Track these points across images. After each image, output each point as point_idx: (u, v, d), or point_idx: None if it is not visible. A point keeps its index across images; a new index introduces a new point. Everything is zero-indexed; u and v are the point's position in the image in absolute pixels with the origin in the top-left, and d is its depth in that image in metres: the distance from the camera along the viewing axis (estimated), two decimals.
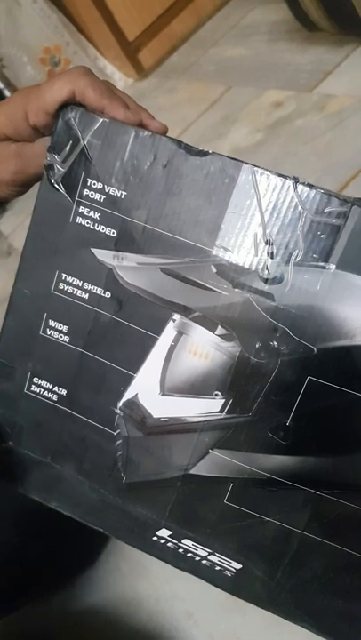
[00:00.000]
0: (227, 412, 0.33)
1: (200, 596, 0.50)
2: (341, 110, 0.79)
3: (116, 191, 0.33)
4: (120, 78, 1.10)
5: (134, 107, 0.35)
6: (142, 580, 0.51)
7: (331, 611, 0.35)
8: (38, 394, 0.38)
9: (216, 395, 0.33)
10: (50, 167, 0.34)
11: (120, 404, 0.36)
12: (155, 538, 0.38)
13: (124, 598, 0.50)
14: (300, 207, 0.30)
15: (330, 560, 0.34)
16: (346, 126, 0.78)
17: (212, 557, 0.37)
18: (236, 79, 0.93)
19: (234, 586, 0.37)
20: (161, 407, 0.35)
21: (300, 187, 0.30)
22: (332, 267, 0.30)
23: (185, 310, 0.33)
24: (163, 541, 0.38)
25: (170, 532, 0.37)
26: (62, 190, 0.34)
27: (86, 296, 0.35)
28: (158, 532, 0.37)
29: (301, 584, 0.35)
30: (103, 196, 0.34)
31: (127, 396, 0.36)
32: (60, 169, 0.34)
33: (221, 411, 0.34)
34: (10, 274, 0.38)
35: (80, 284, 0.35)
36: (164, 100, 1.00)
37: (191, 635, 0.48)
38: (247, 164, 0.31)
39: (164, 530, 0.37)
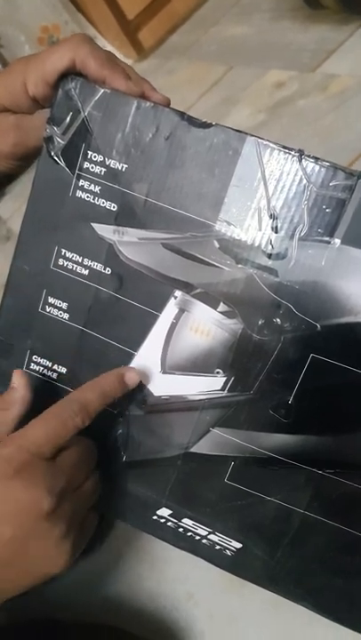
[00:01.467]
0: (228, 390, 0.33)
1: (200, 577, 0.50)
2: (344, 90, 0.78)
3: (117, 164, 0.33)
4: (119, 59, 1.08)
5: (136, 78, 0.34)
6: (143, 562, 0.51)
7: (331, 590, 0.35)
8: (38, 372, 0.38)
9: (218, 372, 0.33)
10: (49, 139, 0.33)
11: None
12: (155, 517, 0.38)
13: (125, 580, 0.51)
14: (305, 180, 0.29)
15: (330, 539, 0.34)
16: (349, 107, 0.77)
17: (212, 537, 0.37)
18: (237, 59, 0.92)
19: (234, 565, 0.37)
20: (162, 385, 0.35)
21: (305, 160, 0.29)
22: (338, 242, 0.29)
23: (186, 287, 0.33)
24: (163, 521, 0.37)
25: (170, 512, 0.37)
26: (62, 163, 0.33)
27: (86, 272, 0.35)
28: (158, 512, 0.37)
29: (301, 563, 0.35)
30: (104, 169, 0.33)
31: None
32: (59, 141, 0.33)
33: (223, 389, 0.33)
34: (9, 259, 0.37)
35: (80, 260, 0.35)
36: (164, 80, 0.99)
37: (192, 615, 0.49)
38: (252, 136, 0.30)
39: (164, 509, 0.37)
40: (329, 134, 0.75)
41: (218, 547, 0.37)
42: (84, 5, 1.05)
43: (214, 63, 0.94)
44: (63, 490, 0.30)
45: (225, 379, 0.33)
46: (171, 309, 0.33)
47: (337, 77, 0.80)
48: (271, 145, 0.30)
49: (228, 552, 0.37)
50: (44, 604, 0.50)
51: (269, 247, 0.30)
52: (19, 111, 0.35)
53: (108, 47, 1.09)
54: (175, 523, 0.37)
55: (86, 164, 0.33)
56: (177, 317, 0.33)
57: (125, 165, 0.33)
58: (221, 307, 0.32)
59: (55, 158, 0.33)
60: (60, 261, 0.35)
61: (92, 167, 0.33)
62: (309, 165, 0.29)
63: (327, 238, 0.29)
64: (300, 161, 0.29)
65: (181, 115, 0.32)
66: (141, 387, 0.35)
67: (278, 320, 0.31)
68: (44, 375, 0.38)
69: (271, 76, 0.86)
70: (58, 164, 0.34)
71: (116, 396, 0.34)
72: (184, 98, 0.91)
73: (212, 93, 0.89)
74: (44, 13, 1.01)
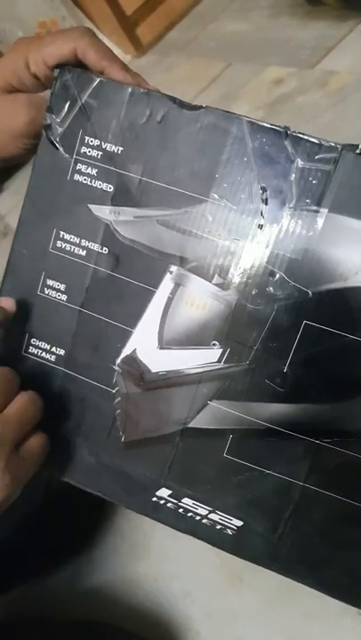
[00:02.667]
0: (225, 362, 0.37)
1: (197, 575, 0.54)
2: (343, 87, 0.84)
3: (113, 147, 0.38)
4: (118, 54, 1.15)
5: (132, 72, 0.39)
6: (140, 560, 0.55)
7: (332, 564, 0.39)
8: (36, 355, 0.42)
9: (214, 344, 0.37)
10: (48, 127, 0.39)
11: (118, 360, 0.40)
12: (154, 499, 0.41)
13: (121, 578, 0.54)
14: (291, 155, 0.34)
15: (331, 512, 0.38)
16: (348, 104, 0.83)
17: (212, 516, 0.40)
18: (236, 55, 0.99)
19: (235, 545, 0.41)
20: (159, 361, 0.39)
21: (291, 136, 0.34)
22: (325, 211, 0.34)
23: (182, 261, 0.37)
24: (162, 502, 0.41)
25: (170, 492, 0.41)
26: (61, 149, 0.39)
27: (84, 253, 0.40)
28: (158, 493, 0.41)
29: (303, 538, 0.39)
30: (100, 153, 0.38)
31: (125, 352, 0.40)
32: (58, 128, 0.39)
33: (219, 360, 0.38)
34: (6, 255, 0.42)
35: (77, 242, 0.40)
36: (162, 77, 1.06)
37: (189, 613, 0.52)
38: (239, 115, 0.35)
39: (163, 489, 0.41)
40: (328, 131, 0.81)
41: (218, 526, 0.40)
42: (82, 1, 1.13)
43: (213, 60, 1.01)
44: None
45: (221, 350, 0.37)
46: (167, 284, 0.38)
47: (336, 74, 0.87)
48: (258, 123, 0.35)
49: (229, 531, 0.40)
50: (38, 600, 0.53)
51: (260, 218, 0.35)
52: (25, 90, 0.40)
53: (106, 42, 1.17)
54: (175, 503, 0.41)
55: (83, 149, 0.38)
56: (173, 292, 0.38)
57: (121, 148, 0.38)
58: (216, 279, 0.37)
59: (55, 144, 0.39)
60: (59, 243, 0.40)
61: (89, 151, 0.38)
62: (295, 140, 0.34)
63: (315, 208, 0.34)
64: (286, 137, 0.34)
65: (173, 99, 0.37)
66: (139, 364, 0.39)
67: (271, 289, 0.36)
68: (42, 358, 0.42)
69: (270, 72, 0.93)
70: (57, 149, 0.39)
71: None
72: (182, 94, 0.97)
73: (211, 90, 0.96)
74: (42, 9, 1.09)
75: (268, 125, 0.35)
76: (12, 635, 0.47)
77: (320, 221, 0.34)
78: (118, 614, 0.51)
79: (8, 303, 0.41)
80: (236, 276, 0.36)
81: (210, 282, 0.37)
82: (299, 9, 0.97)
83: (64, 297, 0.41)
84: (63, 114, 0.38)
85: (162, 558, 0.53)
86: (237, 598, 0.51)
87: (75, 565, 0.47)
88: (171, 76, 1.06)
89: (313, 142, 0.34)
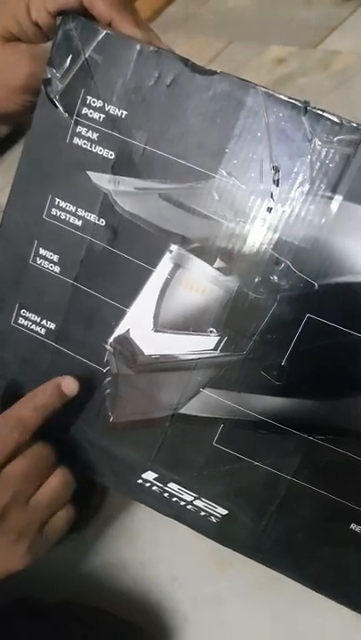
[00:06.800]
0: (221, 350, 0.33)
1: (185, 560, 0.51)
2: (346, 68, 0.78)
3: (117, 110, 0.33)
4: None
5: (145, 26, 0.33)
6: (127, 544, 0.52)
7: (316, 559, 0.36)
8: (26, 327, 0.38)
9: (211, 331, 0.33)
10: (48, 82, 0.33)
11: (111, 339, 0.36)
12: (140, 481, 0.38)
13: (108, 563, 0.51)
14: (309, 133, 0.29)
15: (318, 507, 0.35)
16: (350, 86, 0.77)
17: (197, 502, 0.37)
18: (237, 33, 0.91)
19: (219, 533, 0.38)
20: (153, 344, 0.35)
21: (310, 112, 0.29)
22: (340, 198, 0.30)
23: (183, 241, 0.33)
24: (148, 485, 0.38)
25: (156, 475, 0.37)
26: (60, 108, 0.33)
27: (79, 223, 0.35)
28: (144, 475, 0.38)
29: (288, 531, 0.36)
30: (103, 115, 0.33)
31: (119, 331, 0.36)
32: (58, 84, 0.33)
33: (215, 348, 0.33)
34: None
35: (73, 210, 0.35)
36: None
37: (176, 597, 0.50)
38: (255, 85, 0.30)
39: (149, 472, 0.37)
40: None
41: (203, 513, 0.37)
42: None
43: (213, 37, 0.94)
44: (7, 504, 0.33)
45: (218, 338, 0.33)
46: (166, 264, 0.33)
47: (339, 54, 0.80)
48: (276, 95, 0.30)
49: (214, 519, 0.37)
50: (25, 584, 0.49)
51: (270, 201, 0.30)
52: (26, 40, 0.35)
53: None
54: (160, 487, 0.38)
55: (85, 110, 0.33)
56: (172, 273, 0.33)
57: (125, 112, 0.32)
58: (218, 263, 0.32)
59: (54, 101, 0.33)
60: (54, 211, 0.35)
61: (91, 113, 0.33)
62: (315, 118, 0.29)
63: (329, 194, 0.30)
64: (305, 113, 0.29)
65: (185, 61, 0.32)
66: (132, 345, 0.35)
67: (275, 278, 0.31)
68: (32, 331, 0.38)
69: (271, 51, 0.86)
70: (56, 108, 0.33)
71: (54, 407, 0.36)
72: None
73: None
74: None
75: (286, 98, 0.30)
76: None
77: (334, 209, 0.30)
78: (105, 598, 0.49)
79: (69, 386, 0.36)
80: (239, 262, 0.32)
81: (211, 265, 0.32)
82: None
83: (57, 268, 0.36)
84: (65, 68, 0.33)
85: (149, 543, 0.51)
86: (226, 583, 0.49)
87: (61, 549, 0.43)
88: None
89: (334, 121, 0.29)
